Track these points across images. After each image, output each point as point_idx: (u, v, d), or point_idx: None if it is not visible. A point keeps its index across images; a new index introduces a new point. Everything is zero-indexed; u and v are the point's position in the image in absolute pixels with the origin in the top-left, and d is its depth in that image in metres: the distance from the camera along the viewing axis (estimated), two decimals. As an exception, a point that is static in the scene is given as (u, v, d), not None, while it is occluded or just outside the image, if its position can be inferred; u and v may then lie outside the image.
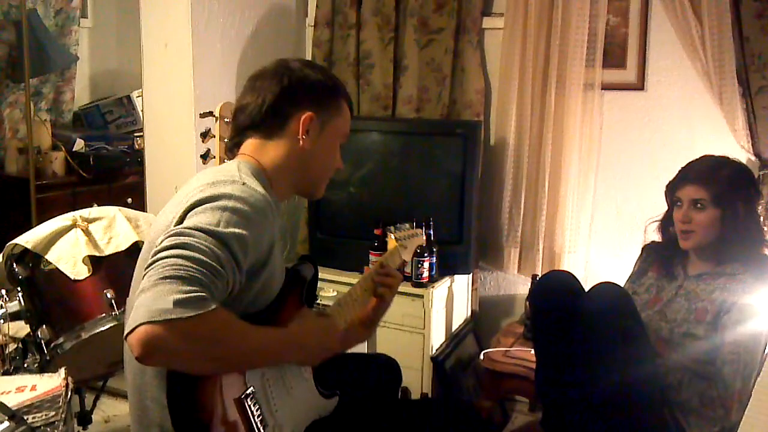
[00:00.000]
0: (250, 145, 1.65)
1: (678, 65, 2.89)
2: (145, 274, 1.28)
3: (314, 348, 1.59)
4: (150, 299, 1.22)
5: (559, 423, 2.30)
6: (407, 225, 2.26)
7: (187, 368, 1.33)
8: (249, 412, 1.43)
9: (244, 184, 1.48)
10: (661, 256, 2.44)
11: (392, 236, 2.14)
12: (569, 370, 2.20)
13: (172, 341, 1.21)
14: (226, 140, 2.16)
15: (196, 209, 1.40)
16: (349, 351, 1.95)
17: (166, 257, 1.28)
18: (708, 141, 2.79)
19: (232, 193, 1.43)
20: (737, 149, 2.69)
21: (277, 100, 1.62)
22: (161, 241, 1.32)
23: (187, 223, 1.37)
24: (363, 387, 1.96)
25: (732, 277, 2.22)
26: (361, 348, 2.90)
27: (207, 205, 1.40)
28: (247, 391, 1.45)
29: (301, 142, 1.63)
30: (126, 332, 1.23)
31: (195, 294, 1.23)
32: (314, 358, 1.63)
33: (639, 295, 2.40)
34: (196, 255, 1.29)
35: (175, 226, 1.39)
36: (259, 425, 1.44)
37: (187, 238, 1.31)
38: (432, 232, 2.95)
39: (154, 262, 1.29)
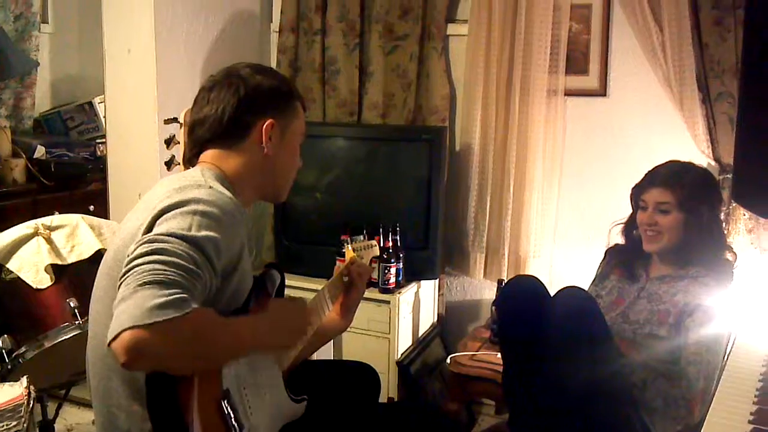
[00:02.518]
0: (210, 155, 1.64)
1: (639, 71, 2.94)
2: (121, 283, 1.27)
3: (291, 327, 1.64)
4: (132, 305, 1.21)
5: (525, 424, 2.31)
6: (361, 237, 2.31)
7: (173, 369, 1.33)
8: (226, 414, 1.43)
9: (210, 188, 1.49)
10: (624, 259, 2.47)
11: (349, 247, 2.20)
12: (535, 373, 2.21)
13: (158, 344, 1.21)
14: None
15: (165, 215, 1.40)
16: (322, 358, 1.97)
17: (143, 263, 1.27)
18: (669, 146, 2.84)
19: (201, 197, 1.43)
20: (697, 154, 2.74)
21: (237, 110, 1.62)
22: (134, 249, 1.31)
23: (158, 229, 1.36)
24: (340, 394, 1.97)
25: (694, 280, 2.26)
26: (327, 353, 2.91)
27: (176, 210, 1.40)
28: (224, 393, 1.44)
29: (265, 149, 1.64)
30: (109, 339, 1.22)
31: (176, 296, 1.23)
32: (292, 337, 1.66)
33: (602, 297, 2.43)
34: (173, 259, 1.29)
35: (144, 233, 1.38)
36: (235, 426, 1.44)
37: (161, 243, 1.31)
38: (398, 238, 2.96)
39: (130, 269, 1.28)
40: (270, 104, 1.65)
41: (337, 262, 2.94)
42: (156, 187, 1.58)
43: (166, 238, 1.32)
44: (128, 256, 1.32)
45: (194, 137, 1.67)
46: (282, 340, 1.63)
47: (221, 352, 1.39)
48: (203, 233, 1.36)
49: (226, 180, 1.60)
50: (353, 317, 2.04)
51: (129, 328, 1.19)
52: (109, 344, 1.22)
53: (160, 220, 1.40)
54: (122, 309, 1.22)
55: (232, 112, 1.61)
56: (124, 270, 1.29)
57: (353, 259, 2.10)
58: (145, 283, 1.24)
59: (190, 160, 1.69)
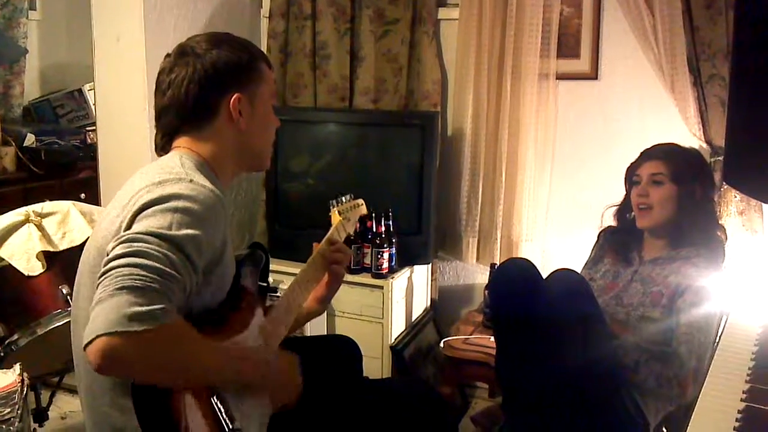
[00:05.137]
0: (183, 140, 1.60)
1: (631, 55, 2.94)
2: (99, 284, 1.25)
3: (271, 378, 1.60)
4: (107, 310, 1.20)
5: (518, 407, 2.32)
6: (348, 197, 2.21)
7: (144, 380, 1.31)
8: (216, 409, 1.42)
9: (191, 181, 1.44)
10: (617, 242, 2.48)
11: (335, 210, 2.11)
12: (528, 356, 2.22)
13: (130, 353, 1.20)
14: None
15: (145, 212, 1.36)
16: (308, 334, 1.94)
17: (121, 266, 1.25)
18: (660, 129, 2.84)
19: (181, 193, 1.39)
20: (689, 136, 2.74)
21: (199, 93, 1.56)
22: (113, 248, 1.29)
23: (137, 227, 1.34)
24: (324, 368, 1.94)
25: (686, 261, 2.27)
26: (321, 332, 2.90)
27: (156, 207, 1.36)
28: (213, 389, 1.43)
29: (237, 124, 1.60)
30: (84, 343, 1.20)
31: (153, 306, 1.22)
32: (262, 382, 1.58)
33: (595, 281, 2.43)
34: (151, 263, 1.26)
35: (125, 230, 1.36)
36: (227, 420, 1.43)
37: (140, 244, 1.28)
38: (391, 223, 2.96)
39: (107, 271, 1.26)
40: (231, 79, 1.59)
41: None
42: (134, 178, 1.53)
43: (146, 237, 1.30)
44: (107, 254, 1.30)
45: (162, 124, 1.63)
46: (251, 380, 1.55)
47: (193, 371, 1.37)
48: (183, 232, 1.33)
49: (206, 165, 1.57)
50: (330, 302, 2.02)
51: (103, 334, 1.18)
52: (84, 348, 1.21)
53: (139, 216, 1.37)
54: (98, 312, 1.21)
55: (195, 95, 1.56)
56: (102, 270, 1.27)
57: (338, 225, 2.01)
58: (123, 288, 1.22)
59: (163, 147, 1.64)
